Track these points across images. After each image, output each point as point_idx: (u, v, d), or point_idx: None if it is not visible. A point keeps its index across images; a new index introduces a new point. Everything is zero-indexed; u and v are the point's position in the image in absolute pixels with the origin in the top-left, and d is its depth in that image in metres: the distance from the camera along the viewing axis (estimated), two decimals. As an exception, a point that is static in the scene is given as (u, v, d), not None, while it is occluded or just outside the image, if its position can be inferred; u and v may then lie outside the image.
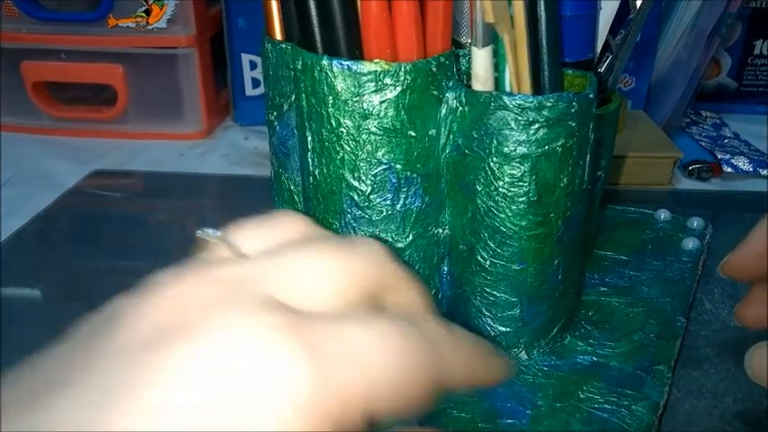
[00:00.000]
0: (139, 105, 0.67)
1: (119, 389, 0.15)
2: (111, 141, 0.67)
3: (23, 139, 0.67)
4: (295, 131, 0.34)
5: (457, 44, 0.34)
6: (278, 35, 0.34)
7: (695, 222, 0.48)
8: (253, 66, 0.68)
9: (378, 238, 0.25)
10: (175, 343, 0.16)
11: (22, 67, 0.65)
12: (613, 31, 0.39)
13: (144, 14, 0.64)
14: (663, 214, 0.49)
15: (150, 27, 0.64)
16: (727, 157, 0.61)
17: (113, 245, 0.48)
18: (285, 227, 0.21)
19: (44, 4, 0.65)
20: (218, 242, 0.19)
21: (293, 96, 0.33)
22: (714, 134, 0.67)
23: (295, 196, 0.36)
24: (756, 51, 0.71)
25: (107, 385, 0.15)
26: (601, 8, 0.37)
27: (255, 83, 0.69)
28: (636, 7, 0.40)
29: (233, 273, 0.18)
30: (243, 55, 0.68)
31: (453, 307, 0.35)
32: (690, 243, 0.45)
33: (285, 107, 0.34)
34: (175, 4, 0.63)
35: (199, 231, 0.19)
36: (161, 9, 0.63)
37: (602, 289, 0.40)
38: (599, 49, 0.39)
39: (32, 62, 0.65)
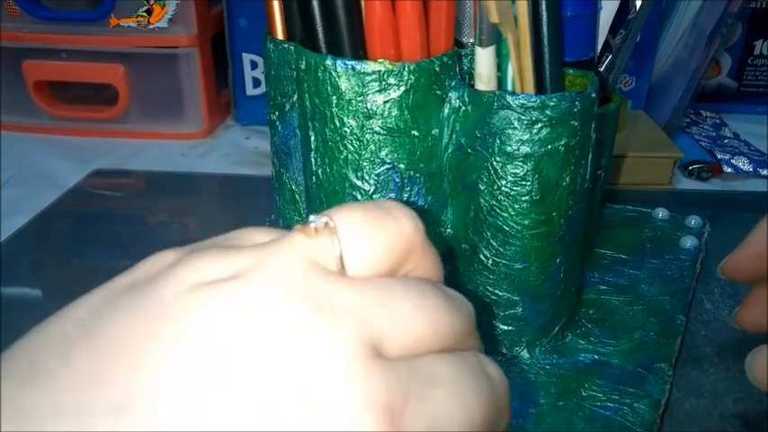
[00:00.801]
0: (140, 105, 0.67)
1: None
2: (112, 141, 0.67)
3: (24, 139, 0.67)
4: (297, 131, 0.34)
5: (459, 44, 0.34)
6: (279, 35, 0.34)
7: (693, 221, 0.48)
8: (254, 65, 0.68)
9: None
10: (256, 364, 0.15)
11: (23, 67, 0.66)
12: (613, 30, 0.39)
13: (145, 14, 0.64)
14: (661, 213, 0.49)
15: (151, 27, 0.64)
16: (727, 157, 0.61)
17: (114, 244, 0.48)
18: (395, 234, 0.18)
19: (46, 3, 0.65)
20: (328, 235, 0.17)
21: (295, 96, 0.33)
22: (714, 134, 0.67)
23: (296, 196, 0.36)
24: (756, 51, 0.71)
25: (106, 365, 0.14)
26: (601, 8, 0.37)
27: (256, 82, 0.69)
28: (636, 7, 0.40)
29: (335, 298, 0.16)
30: (244, 54, 0.68)
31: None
32: (688, 242, 0.45)
33: (287, 107, 0.34)
34: (177, 4, 0.63)
35: (312, 218, 0.17)
36: (162, 9, 0.63)
37: (602, 287, 0.40)
38: (599, 48, 0.39)
39: (34, 61, 0.66)
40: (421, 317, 0.17)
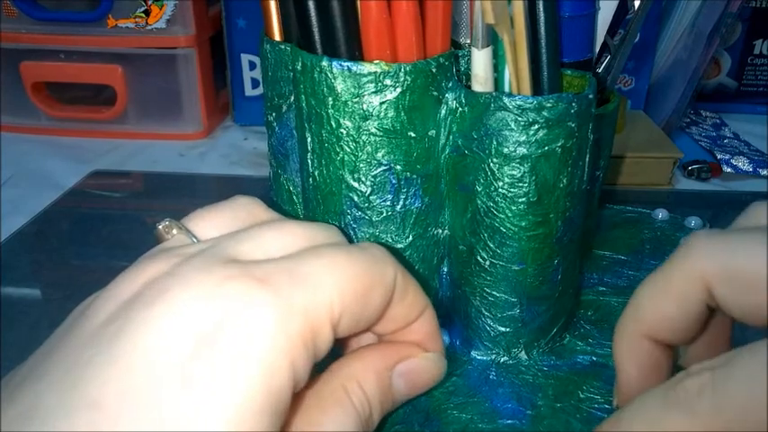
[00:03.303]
0: (139, 105, 0.67)
1: (89, 365, 0.16)
2: (110, 141, 0.67)
3: (23, 140, 0.67)
4: (294, 132, 0.34)
5: (456, 45, 0.34)
6: (276, 36, 0.34)
7: (693, 222, 0.48)
8: (252, 66, 0.68)
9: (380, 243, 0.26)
10: (141, 311, 0.17)
11: (21, 68, 0.65)
12: (612, 31, 0.39)
13: (143, 15, 0.64)
14: (661, 214, 0.49)
15: (149, 27, 0.64)
16: (727, 157, 0.61)
17: (113, 245, 0.48)
18: (244, 210, 0.23)
19: (43, 4, 0.65)
20: (179, 231, 0.21)
21: (292, 97, 0.33)
22: (714, 134, 0.67)
23: (294, 197, 0.36)
24: (756, 51, 0.71)
25: (76, 365, 0.16)
26: (599, 8, 0.37)
27: (255, 83, 0.69)
28: (634, 7, 0.40)
29: (191, 249, 0.20)
30: (242, 55, 0.68)
31: (453, 307, 0.35)
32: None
33: (284, 108, 0.34)
34: (175, 5, 0.63)
35: (159, 223, 0.22)
36: (160, 9, 0.63)
37: (601, 288, 0.40)
38: (597, 49, 0.39)
39: (32, 62, 0.65)
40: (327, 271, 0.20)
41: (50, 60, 0.65)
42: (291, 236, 0.21)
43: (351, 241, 0.26)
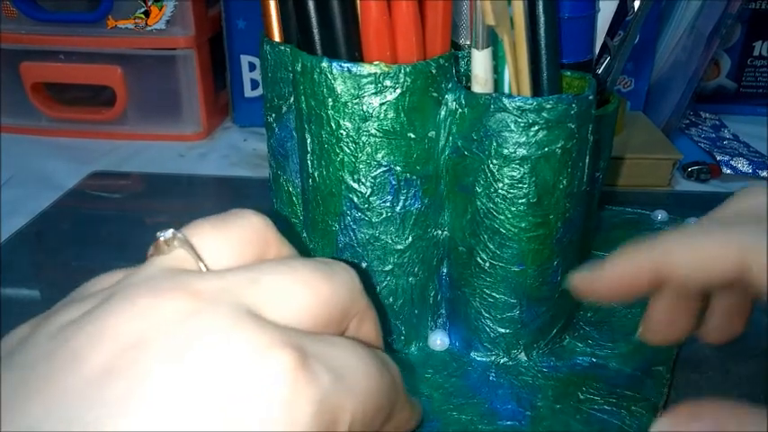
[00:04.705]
0: (138, 106, 0.67)
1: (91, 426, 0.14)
2: (110, 142, 0.67)
3: (23, 140, 0.67)
4: (294, 133, 0.34)
5: (455, 46, 0.34)
6: (276, 37, 0.34)
7: (692, 222, 0.47)
8: (252, 67, 0.68)
9: (352, 263, 0.24)
10: (149, 364, 0.15)
11: (21, 69, 0.65)
12: (611, 32, 0.39)
13: (143, 16, 0.64)
14: (660, 215, 0.49)
15: (149, 28, 0.64)
16: (727, 158, 0.61)
17: (112, 246, 0.48)
18: (244, 230, 0.20)
19: (43, 5, 0.65)
20: (180, 245, 0.18)
21: (292, 98, 0.33)
22: (713, 135, 0.67)
23: (293, 198, 0.36)
24: (756, 53, 0.71)
25: (74, 422, 0.14)
26: (599, 9, 0.37)
27: (254, 84, 0.69)
28: (634, 8, 0.40)
29: (207, 284, 0.17)
30: (242, 56, 0.68)
31: (452, 309, 0.35)
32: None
33: (284, 109, 0.34)
34: (174, 6, 0.63)
35: (160, 234, 0.18)
36: (160, 10, 0.63)
37: (601, 290, 0.40)
38: (597, 50, 0.39)
39: (32, 63, 0.65)
40: (297, 287, 0.18)
41: (50, 61, 0.65)
42: (315, 294, 0.18)
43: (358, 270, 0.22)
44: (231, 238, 0.19)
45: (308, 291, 0.18)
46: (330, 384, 0.16)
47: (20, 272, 0.45)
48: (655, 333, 0.27)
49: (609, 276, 0.26)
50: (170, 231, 0.18)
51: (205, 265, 0.18)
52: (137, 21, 0.63)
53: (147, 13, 0.63)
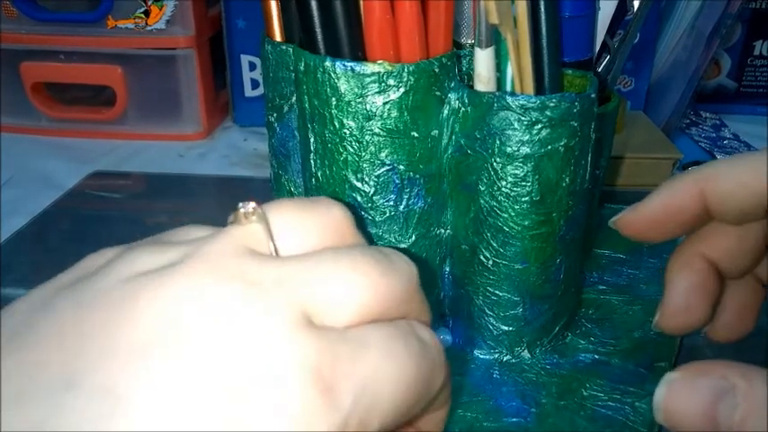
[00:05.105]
0: (138, 106, 0.67)
1: (127, 399, 0.14)
2: (110, 142, 0.67)
3: (23, 140, 0.67)
4: (295, 133, 0.34)
5: (457, 45, 0.34)
6: (277, 36, 0.34)
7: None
8: (252, 67, 0.68)
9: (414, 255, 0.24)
10: (190, 343, 0.15)
11: (21, 68, 0.65)
12: (611, 31, 0.39)
13: (143, 15, 0.64)
14: (661, 214, 0.49)
15: (149, 28, 0.64)
16: (727, 158, 0.61)
17: (113, 245, 0.48)
18: (323, 217, 0.20)
19: (43, 5, 0.65)
20: (257, 220, 0.18)
21: (293, 98, 0.33)
22: (714, 135, 0.67)
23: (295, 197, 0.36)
24: (756, 52, 0.71)
25: (112, 393, 0.15)
26: (599, 9, 0.37)
27: (255, 84, 0.69)
28: (633, 8, 0.40)
29: (266, 276, 0.17)
30: (242, 56, 0.68)
31: (455, 307, 0.35)
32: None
33: (285, 109, 0.34)
34: (174, 5, 0.63)
35: (241, 204, 0.18)
36: (160, 10, 0.63)
37: (601, 287, 0.41)
38: (597, 49, 0.39)
39: (32, 63, 0.65)
40: (354, 277, 0.17)
41: (50, 61, 0.65)
42: (370, 287, 0.18)
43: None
44: (308, 223, 0.19)
45: (365, 283, 0.18)
46: (352, 406, 0.16)
47: (20, 272, 0.45)
48: (672, 319, 0.27)
49: (653, 208, 0.27)
50: (251, 205, 0.18)
51: (275, 247, 0.18)
52: (137, 20, 0.63)
53: (147, 13, 0.63)
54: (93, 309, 0.16)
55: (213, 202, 0.60)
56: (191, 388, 0.15)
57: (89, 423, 0.14)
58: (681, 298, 0.27)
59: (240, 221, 0.19)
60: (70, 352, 0.15)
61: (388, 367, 0.17)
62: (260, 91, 0.69)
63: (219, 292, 0.16)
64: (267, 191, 0.39)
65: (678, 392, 0.21)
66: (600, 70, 0.40)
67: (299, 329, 0.16)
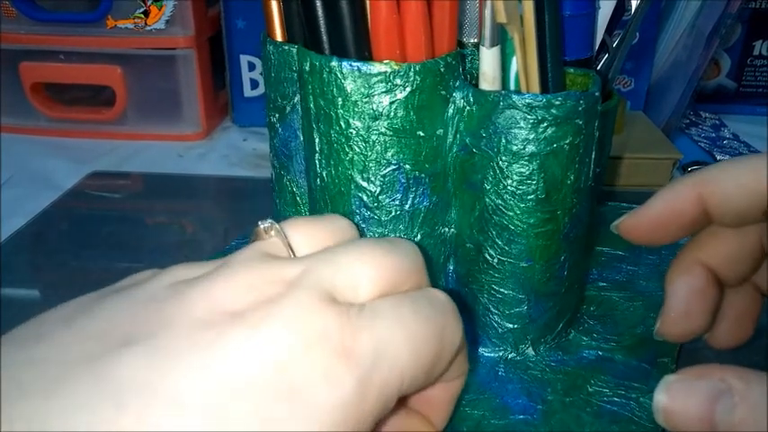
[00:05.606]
0: (138, 106, 0.67)
1: (182, 357, 0.17)
2: (109, 142, 0.67)
3: (22, 140, 0.67)
4: (298, 133, 0.34)
5: (460, 44, 0.34)
6: (278, 36, 0.34)
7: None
8: (251, 67, 0.68)
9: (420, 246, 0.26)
10: (237, 328, 0.18)
11: (20, 69, 0.65)
12: (610, 31, 0.39)
13: (142, 15, 0.64)
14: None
15: (149, 28, 0.64)
16: (727, 158, 0.61)
17: (112, 246, 0.48)
18: (340, 231, 0.23)
19: (42, 5, 0.65)
20: (276, 234, 0.22)
21: (296, 98, 0.33)
22: (713, 135, 0.68)
23: (297, 198, 0.36)
24: (756, 52, 0.71)
25: (170, 352, 0.17)
26: (599, 7, 0.37)
27: (254, 84, 0.69)
28: (632, 8, 0.40)
29: (290, 270, 0.20)
30: (242, 56, 0.68)
31: (459, 305, 0.35)
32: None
33: (288, 109, 0.34)
34: (174, 5, 0.63)
35: (260, 222, 0.22)
36: (159, 10, 0.63)
37: (602, 284, 0.41)
38: (596, 48, 0.39)
39: (31, 63, 0.65)
40: (362, 260, 0.21)
41: (50, 61, 0.65)
42: (377, 267, 0.21)
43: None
44: (319, 232, 0.23)
45: (372, 263, 0.21)
46: (372, 363, 0.18)
47: (20, 272, 0.45)
48: (673, 326, 0.28)
49: (653, 212, 0.28)
50: (268, 222, 0.22)
51: (293, 252, 0.22)
52: (136, 20, 0.63)
53: (146, 13, 0.63)
54: (144, 303, 0.19)
55: (213, 202, 0.60)
56: (238, 350, 0.17)
57: (143, 372, 0.16)
58: (681, 303, 0.27)
59: (261, 237, 0.22)
60: (124, 331, 0.17)
61: (400, 327, 0.20)
62: (259, 91, 0.69)
63: (253, 282, 0.19)
64: (267, 191, 0.39)
65: (677, 395, 0.22)
66: (599, 68, 0.41)
67: (322, 309, 0.19)
